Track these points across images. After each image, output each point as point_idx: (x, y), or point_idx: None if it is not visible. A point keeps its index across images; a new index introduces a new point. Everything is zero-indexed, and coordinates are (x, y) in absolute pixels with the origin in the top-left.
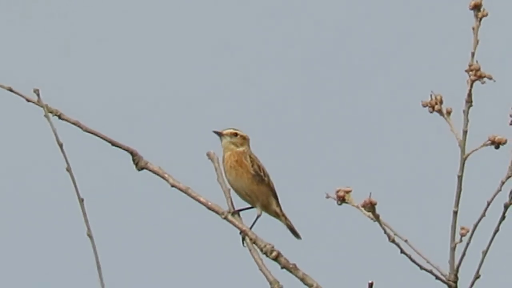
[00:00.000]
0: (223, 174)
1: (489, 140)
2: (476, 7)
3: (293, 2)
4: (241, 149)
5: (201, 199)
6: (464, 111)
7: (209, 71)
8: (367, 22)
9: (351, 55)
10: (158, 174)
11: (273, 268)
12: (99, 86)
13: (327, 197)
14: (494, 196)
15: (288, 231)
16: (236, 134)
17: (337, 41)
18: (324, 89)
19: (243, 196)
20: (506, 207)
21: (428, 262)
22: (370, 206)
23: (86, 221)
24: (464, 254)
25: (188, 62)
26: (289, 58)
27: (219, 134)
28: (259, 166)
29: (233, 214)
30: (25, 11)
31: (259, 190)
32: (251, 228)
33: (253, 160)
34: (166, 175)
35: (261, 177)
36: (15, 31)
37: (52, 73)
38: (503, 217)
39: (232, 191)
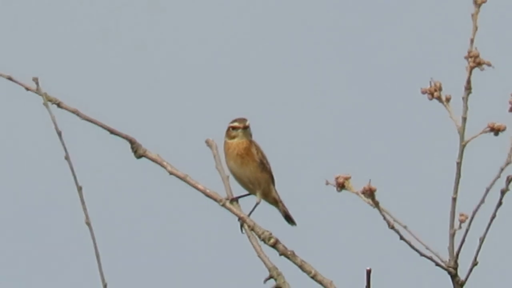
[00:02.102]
0: (223, 161)
1: (488, 127)
2: None
3: None
4: (249, 138)
5: (200, 186)
6: (463, 98)
7: (205, 58)
8: (365, 8)
9: (349, 41)
10: (156, 162)
11: (272, 254)
12: (97, 75)
13: (327, 183)
14: (493, 182)
15: (283, 219)
16: (247, 127)
17: (335, 26)
18: (323, 74)
19: (245, 183)
20: (503, 193)
21: (427, 248)
22: (370, 193)
23: (85, 209)
24: (463, 240)
25: (184, 49)
26: (285, 45)
27: (246, 128)
28: (262, 154)
29: (231, 201)
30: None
31: (262, 177)
32: (249, 215)
33: (257, 148)
34: (164, 163)
35: (264, 165)
36: (13, 21)
37: (51, 61)
38: (500, 203)
39: (231, 178)
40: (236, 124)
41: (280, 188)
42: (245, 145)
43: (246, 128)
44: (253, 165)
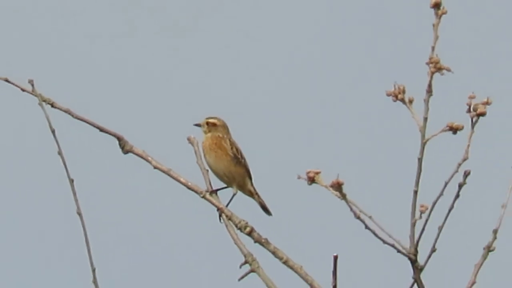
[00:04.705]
0: (202, 157)
1: (448, 126)
2: (436, 6)
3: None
4: (217, 134)
5: (182, 179)
6: (424, 100)
7: (190, 56)
8: (334, 19)
9: (331, 47)
10: (142, 157)
11: (247, 242)
12: (89, 77)
13: (299, 177)
14: (451, 177)
15: (260, 209)
16: (208, 123)
17: (317, 36)
18: (298, 77)
19: (221, 176)
20: (460, 186)
21: (390, 237)
22: (338, 186)
23: (76, 200)
24: (423, 229)
25: (170, 48)
26: (268, 47)
27: (198, 125)
28: (237, 149)
29: (211, 193)
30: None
31: (236, 171)
32: (227, 206)
33: (232, 143)
34: (149, 158)
35: (238, 159)
36: (11, 24)
37: (45, 64)
38: (457, 196)
39: (210, 172)
40: None
41: (257, 181)
42: (215, 140)
43: (200, 126)
44: (226, 159)
